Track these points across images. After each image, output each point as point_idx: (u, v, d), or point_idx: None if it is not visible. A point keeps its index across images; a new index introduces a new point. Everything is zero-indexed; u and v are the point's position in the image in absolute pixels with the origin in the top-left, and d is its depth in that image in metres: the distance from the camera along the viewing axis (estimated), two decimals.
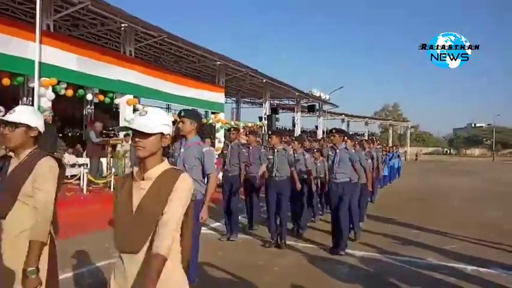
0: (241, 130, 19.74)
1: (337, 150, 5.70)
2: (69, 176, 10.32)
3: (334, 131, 5.90)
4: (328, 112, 34.81)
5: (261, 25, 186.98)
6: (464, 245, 6.10)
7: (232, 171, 6.41)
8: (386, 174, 14.44)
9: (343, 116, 40.50)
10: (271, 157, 5.87)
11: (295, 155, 6.79)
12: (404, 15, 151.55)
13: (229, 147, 6.53)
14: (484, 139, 72.71)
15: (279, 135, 6.20)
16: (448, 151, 79.00)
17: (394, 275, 4.63)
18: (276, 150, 5.85)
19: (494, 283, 4.40)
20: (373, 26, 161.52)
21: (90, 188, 9.43)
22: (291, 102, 30.93)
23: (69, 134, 16.09)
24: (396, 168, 17.51)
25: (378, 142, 34.53)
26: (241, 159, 6.46)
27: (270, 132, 5.66)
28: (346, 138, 6.05)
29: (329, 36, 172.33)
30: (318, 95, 29.17)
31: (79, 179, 9.43)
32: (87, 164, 10.35)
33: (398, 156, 18.74)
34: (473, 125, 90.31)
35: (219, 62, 17.50)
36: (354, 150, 6.16)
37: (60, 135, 13.80)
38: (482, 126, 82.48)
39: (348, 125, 43.83)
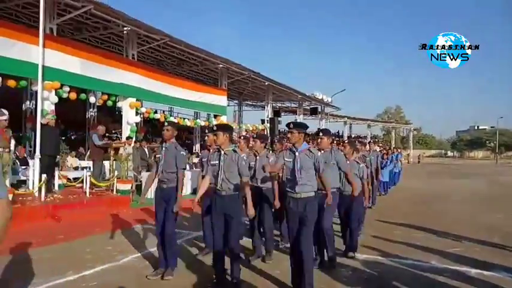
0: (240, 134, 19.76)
1: (297, 153, 4.19)
2: (72, 179, 10.36)
3: (292, 126, 4.25)
4: (330, 115, 34.79)
5: (263, 27, 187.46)
6: (468, 248, 6.08)
7: (168, 181, 4.70)
8: (387, 180, 13.23)
9: (346, 118, 40.44)
10: (216, 162, 4.31)
11: (257, 158, 5.52)
12: (406, 16, 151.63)
13: (163, 148, 4.79)
14: (487, 141, 72.43)
15: (226, 130, 4.40)
16: (452, 154, 78.72)
17: (397, 278, 4.62)
18: (222, 152, 4.29)
19: (498, 286, 4.38)
20: (375, 27, 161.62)
21: (93, 191, 9.45)
22: (293, 105, 30.93)
23: (72, 137, 16.17)
24: (396, 173, 15.91)
25: (380, 144, 34.25)
26: (179, 166, 4.75)
27: (214, 128, 4.51)
28: (322, 135, 4.97)
29: (331, 38, 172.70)
30: (320, 97, 29.15)
31: (82, 182, 9.46)
32: (90, 167, 10.39)
33: (397, 159, 16.72)
34: (476, 128, 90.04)
35: (221, 65, 17.53)
36: (330, 151, 5.09)
37: (63, 138, 13.90)
38: (485, 129, 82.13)
39: (351, 127, 43.80)
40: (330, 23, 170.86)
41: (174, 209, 4.53)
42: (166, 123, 5.00)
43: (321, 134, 5.03)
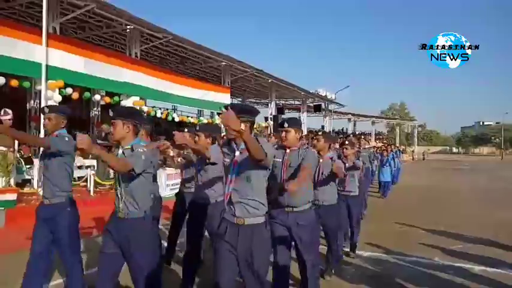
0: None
1: (237, 153, 2.67)
2: (76, 178, 10.40)
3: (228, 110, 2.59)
4: (334, 112, 34.73)
5: (266, 25, 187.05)
6: (472, 245, 6.05)
7: (52, 195, 3.31)
8: (388, 180, 11.87)
9: (350, 115, 40.33)
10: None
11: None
12: (410, 13, 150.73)
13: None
14: (493, 137, 72.04)
15: (127, 117, 2.84)
16: (457, 150, 78.32)
17: (400, 275, 4.61)
18: (120, 151, 2.85)
19: (502, 283, 4.36)
20: (379, 24, 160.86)
21: (97, 189, 9.48)
22: (296, 102, 30.91)
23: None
24: (395, 171, 14.40)
25: (385, 141, 33.85)
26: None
27: (110, 114, 2.82)
28: (288, 126, 3.45)
29: (335, 35, 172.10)
30: (324, 94, 29.10)
31: (86, 180, 9.50)
32: (94, 166, 10.43)
33: (396, 157, 15.42)
34: (481, 124, 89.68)
35: (224, 63, 17.54)
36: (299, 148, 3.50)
37: None
38: (490, 125, 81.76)
39: (355, 124, 43.65)
40: (334, 19, 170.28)
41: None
42: (46, 109, 3.44)
43: (286, 125, 3.45)
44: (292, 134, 3.44)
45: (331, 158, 4.27)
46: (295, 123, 3.55)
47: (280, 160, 3.47)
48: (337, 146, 6.33)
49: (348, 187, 5.25)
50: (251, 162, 2.53)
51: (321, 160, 4.14)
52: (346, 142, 5.49)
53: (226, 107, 2.56)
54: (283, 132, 3.46)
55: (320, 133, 4.58)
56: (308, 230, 3.44)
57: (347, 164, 5.04)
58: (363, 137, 13.98)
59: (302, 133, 3.57)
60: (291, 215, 3.42)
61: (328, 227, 4.36)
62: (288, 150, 3.48)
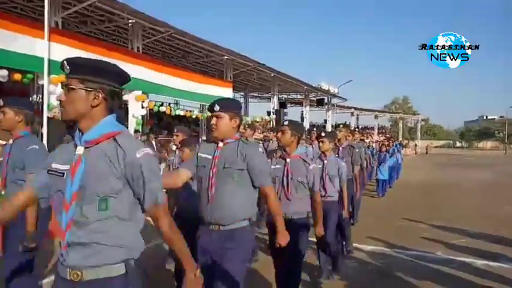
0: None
1: (80, 150, 1.59)
2: None
3: (66, 67, 1.56)
4: (337, 106, 34.60)
5: (268, 19, 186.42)
6: (474, 239, 6.05)
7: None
8: (385, 179, 10.79)
9: (353, 109, 40.16)
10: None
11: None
12: (413, 9, 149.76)
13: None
14: (496, 132, 71.63)
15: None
16: (460, 144, 77.98)
17: (402, 270, 4.61)
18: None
19: (504, 277, 4.36)
20: (382, 18, 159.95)
21: None
22: (299, 96, 30.81)
23: None
24: (396, 167, 13.47)
25: (388, 135, 33.61)
26: None
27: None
28: (219, 109, 2.49)
29: (338, 28, 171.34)
30: (326, 88, 28.97)
31: None
32: None
33: (398, 151, 14.69)
34: (484, 118, 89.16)
35: (226, 57, 17.48)
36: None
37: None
38: (494, 119, 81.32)
39: (358, 118, 43.49)
40: (336, 13, 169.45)
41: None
42: None
43: (216, 108, 2.49)
44: (225, 121, 2.48)
45: (301, 158, 3.27)
46: (231, 106, 2.56)
47: (210, 157, 2.49)
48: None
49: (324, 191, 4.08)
50: (103, 170, 1.50)
51: (288, 160, 3.25)
52: (323, 134, 4.24)
53: (62, 62, 1.56)
54: (213, 119, 2.50)
55: (286, 123, 3.39)
56: (235, 260, 2.40)
57: (325, 161, 4.15)
58: (356, 130, 12.76)
59: (241, 121, 2.59)
60: (215, 235, 2.45)
61: (293, 249, 3.05)
62: (220, 144, 2.51)
